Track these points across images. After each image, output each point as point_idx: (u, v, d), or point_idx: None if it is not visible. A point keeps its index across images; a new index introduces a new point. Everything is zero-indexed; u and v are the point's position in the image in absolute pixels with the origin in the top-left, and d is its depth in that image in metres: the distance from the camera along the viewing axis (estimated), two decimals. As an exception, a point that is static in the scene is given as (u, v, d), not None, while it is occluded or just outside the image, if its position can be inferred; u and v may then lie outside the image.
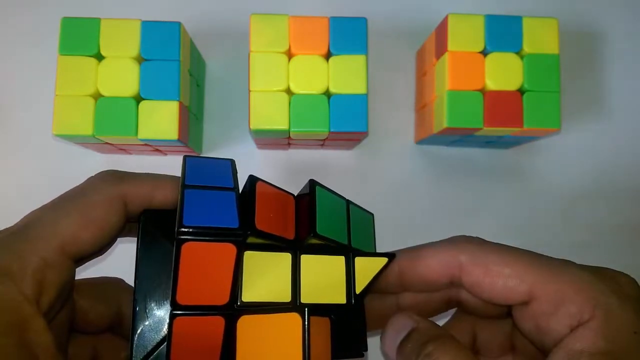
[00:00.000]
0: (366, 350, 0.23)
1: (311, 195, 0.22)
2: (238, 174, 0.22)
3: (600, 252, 0.38)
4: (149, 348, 0.21)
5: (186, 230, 0.19)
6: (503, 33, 0.31)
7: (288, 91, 0.31)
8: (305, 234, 0.21)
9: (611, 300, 0.20)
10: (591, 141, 0.38)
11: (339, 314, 0.22)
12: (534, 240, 0.37)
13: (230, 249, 0.19)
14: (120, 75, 0.30)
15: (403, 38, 0.38)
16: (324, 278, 0.22)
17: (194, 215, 0.19)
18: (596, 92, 0.39)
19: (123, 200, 0.21)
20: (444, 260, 0.23)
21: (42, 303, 0.19)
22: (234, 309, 0.20)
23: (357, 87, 0.31)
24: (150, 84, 0.30)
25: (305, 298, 0.21)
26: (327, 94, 0.31)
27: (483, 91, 0.31)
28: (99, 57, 0.30)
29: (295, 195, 0.23)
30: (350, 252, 0.23)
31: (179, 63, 0.31)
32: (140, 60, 0.31)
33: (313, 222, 0.21)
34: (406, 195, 0.38)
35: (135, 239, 0.22)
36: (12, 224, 0.20)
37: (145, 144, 0.32)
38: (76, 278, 0.22)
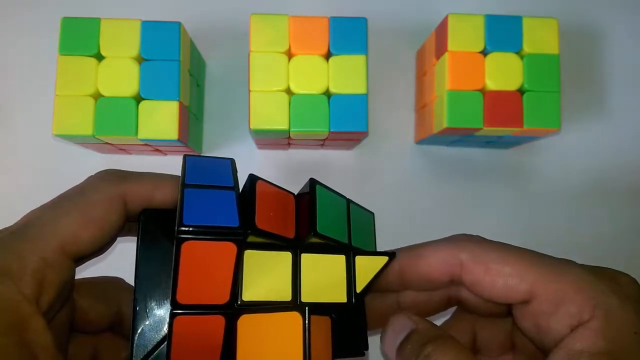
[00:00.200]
0: (367, 349, 0.23)
1: (311, 194, 0.22)
2: (238, 174, 0.22)
3: (601, 252, 0.38)
4: (150, 347, 0.21)
5: (186, 229, 0.19)
6: (503, 33, 0.31)
7: (288, 91, 0.31)
8: (306, 232, 0.21)
9: (611, 300, 0.20)
10: (591, 141, 0.38)
11: (340, 313, 0.22)
12: (534, 240, 0.37)
13: (230, 247, 0.19)
14: (120, 75, 0.30)
15: (403, 38, 0.38)
16: (325, 277, 0.22)
17: (194, 214, 0.19)
18: (596, 92, 0.39)
19: (123, 200, 0.21)
20: (444, 258, 0.23)
21: (42, 303, 0.19)
22: (234, 308, 0.20)
23: (357, 87, 0.31)
24: (150, 84, 0.30)
25: (306, 297, 0.21)
26: (327, 94, 0.31)
27: (483, 91, 0.31)
28: (99, 57, 0.30)
29: (296, 194, 0.23)
30: (350, 251, 0.23)
31: (179, 63, 0.31)
32: (140, 60, 0.31)
33: (313, 221, 0.21)
34: (406, 195, 0.38)
35: (135, 238, 0.22)
36: (12, 222, 0.20)
37: (145, 144, 0.32)
38: (76, 278, 0.22)
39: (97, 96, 0.30)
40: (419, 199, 0.38)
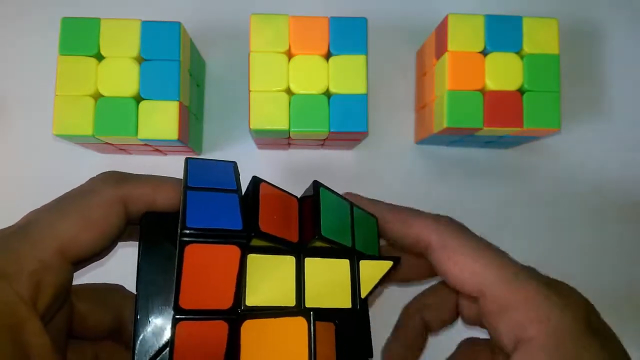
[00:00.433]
0: (372, 356, 0.23)
1: (315, 196, 0.21)
2: (239, 174, 0.22)
3: (601, 252, 0.38)
4: (151, 354, 0.20)
5: (189, 232, 0.18)
6: (503, 33, 0.31)
7: (288, 91, 0.31)
8: (310, 236, 0.21)
9: (557, 315, 0.20)
10: (591, 141, 0.38)
11: (344, 319, 0.22)
12: (533, 240, 0.37)
13: (233, 251, 0.19)
14: (120, 75, 0.30)
15: (403, 38, 0.38)
16: (329, 282, 0.22)
17: (197, 217, 0.19)
18: (596, 92, 0.39)
19: (124, 202, 0.21)
20: (417, 232, 0.24)
21: (39, 305, 0.19)
22: (237, 314, 0.20)
23: (357, 87, 0.31)
24: (150, 84, 0.30)
25: (310, 302, 0.21)
26: (327, 94, 0.31)
27: (483, 91, 0.31)
28: (99, 57, 0.30)
29: (299, 197, 0.23)
30: (354, 255, 0.22)
31: (179, 63, 0.31)
32: (140, 60, 0.31)
33: (318, 224, 0.21)
34: (406, 195, 0.38)
35: (137, 243, 0.22)
36: (12, 222, 0.20)
37: (145, 144, 0.32)
38: (76, 283, 0.22)
39: (97, 96, 0.30)
40: (419, 199, 0.37)
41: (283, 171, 0.37)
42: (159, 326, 0.21)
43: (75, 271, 0.21)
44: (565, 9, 0.39)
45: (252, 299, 0.20)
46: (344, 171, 0.38)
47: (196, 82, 0.35)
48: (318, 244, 0.21)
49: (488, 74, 0.31)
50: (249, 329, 0.20)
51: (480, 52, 0.31)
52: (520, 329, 0.20)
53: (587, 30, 0.39)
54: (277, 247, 0.21)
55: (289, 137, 0.32)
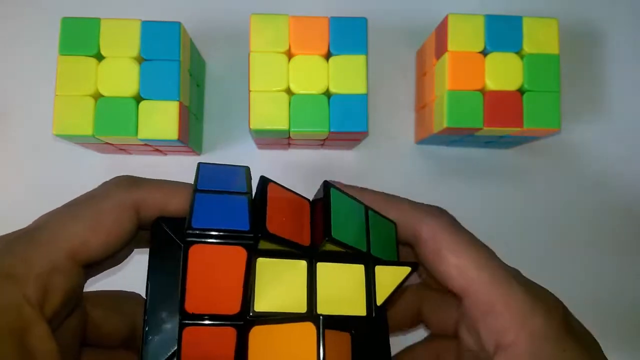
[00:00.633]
0: None
1: (325, 197, 0.20)
2: (250, 179, 0.21)
3: (601, 252, 0.38)
4: None
5: (194, 232, 0.18)
6: (503, 33, 0.31)
7: (288, 91, 0.31)
8: (320, 238, 0.20)
9: (537, 321, 0.20)
10: (591, 141, 0.38)
11: (360, 328, 0.21)
12: (533, 240, 0.37)
13: (240, 252, 0.19)
14: (120, 75, 0.30)
15: (403, 38, 0.38)
16: (343, 288, 0.21)
17: (203, 218, 0.18)
18: (596, 92, 0.39)
19: (136, 207, 0.21)
20: (408, 222, 0.23)
21: (47, 308, 0.18)
22: (246, 320, 0.19)
23: (357, 87, 0.31)
24: (150, 84, 0.30)
25: (322, 309, 0.20)
26: (327, 94, 0.31)
27: (483, 91, 0.31)
28: (99, 57, 0.30)
29: (311, 200, 0.22)
30: (370, 261, 0.21)
31: (179, 63, 0.31)
32: (140, 60, 0.31)
33: (328, 225, 0.20)
34: (406, 195, 0.37)
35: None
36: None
37: (145, 144, 0.32)
38: (92, 290, 0.22)
39: (97, 96, 0.30)
40: (419, 199, 0.37)
41: (283, 171, 0.37)
42: (167, 333, 0.20)
43: (88, 277, 0.21)
44: (565, 9, 0.39)
45: (261, 305, 0.20)
46: (344, 171, 0.37)
47: (196, 82, 0.35)
48: (329, 247, 0.20)
49: (488, 74, 0.31)
50: (257, 334, 0.19)
51: (480, 52, 0.31)
52: (500, 335, 0.20)
53: (587, 30, 0.39)
54: (287, 250, 0.20)
55: (289, 137, 0.32)
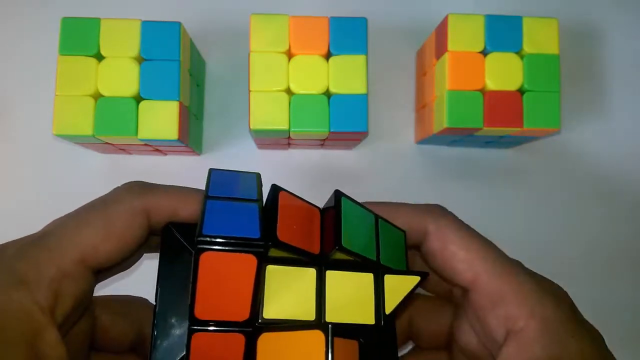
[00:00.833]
0: None
1: (336, 206, 0.21)
2: (261, 185, 0.21)
3: (601, 252, 0.38)
4: None
5: (205, 239, 0.18)
6: (503, 33, 0.31)
7: (288, 91, 0.31)
8: (330, 247, 0.20)
9: (547, 309, 0.20)
10: (591, 141, 0.38)
11: (368, 336, 0.21)
12: (533, 240, 0.37)
13: (250, 260, 0.19)
14: (120, 75, 0.30)
15: (403, 38, 0.38)
16: (351, 296, 0.21)
17: (214, 225, 0.18)
18: (596, 92, 0.39)
19: (146, 213, 0.21)
20: (414, 221, 0.23)
21: (57, 314, 0.18)
22: (254, 327, 0.19)
23: (357, 87, 0.31)
24: (150, 84, 0.30)
25: (331, 317, 0.20)
26: (327, 94, 0.31)
27: (483, 91, 0.31)
28: (99, 57, 0.30)
29: (321, 208, 0.22)
30: (379, 269, 0.21)
31: (179, 63, 0.31)
32: (140, 60, 0.31)
33: (338, 234, 0.20)
34: (406, 195, 0.37)
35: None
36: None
37: (145, 144, 0.32)
38: (100, 294, 0.22)
39: (97, 96, 0.30)
40: (419, 199, 0.37)
41: (283, 171, 0.37)
42: (176, 339, 0.20)
43: (98, 282, 0.21)
44: (565, 9, 0.39)
45: (270, 312, 0.20)
46: (344, 171, 0.37)
47: (196, 82, 0.35)
48: (339, 255, 0.20)
49: (488, 74, 0.31)
50: (266, 341, 0.19)
51: (480, 52, 0.31)
52: (511, 322, 0.21)
53: (587, 30, 0.39)
54: (297, 258, 0.20)
55: (289, 137, 0.32)
